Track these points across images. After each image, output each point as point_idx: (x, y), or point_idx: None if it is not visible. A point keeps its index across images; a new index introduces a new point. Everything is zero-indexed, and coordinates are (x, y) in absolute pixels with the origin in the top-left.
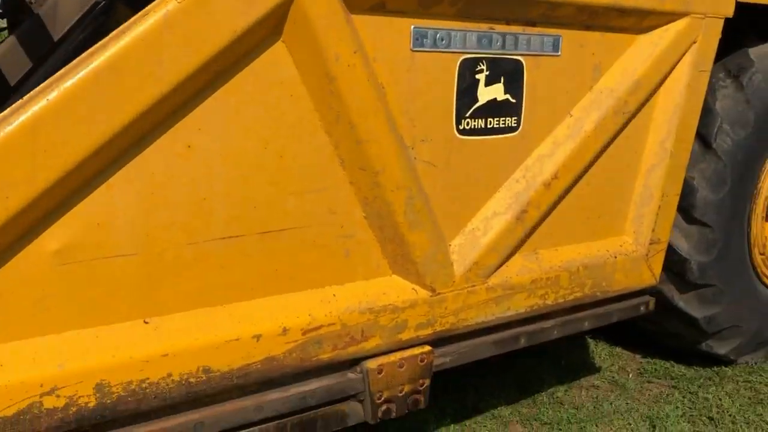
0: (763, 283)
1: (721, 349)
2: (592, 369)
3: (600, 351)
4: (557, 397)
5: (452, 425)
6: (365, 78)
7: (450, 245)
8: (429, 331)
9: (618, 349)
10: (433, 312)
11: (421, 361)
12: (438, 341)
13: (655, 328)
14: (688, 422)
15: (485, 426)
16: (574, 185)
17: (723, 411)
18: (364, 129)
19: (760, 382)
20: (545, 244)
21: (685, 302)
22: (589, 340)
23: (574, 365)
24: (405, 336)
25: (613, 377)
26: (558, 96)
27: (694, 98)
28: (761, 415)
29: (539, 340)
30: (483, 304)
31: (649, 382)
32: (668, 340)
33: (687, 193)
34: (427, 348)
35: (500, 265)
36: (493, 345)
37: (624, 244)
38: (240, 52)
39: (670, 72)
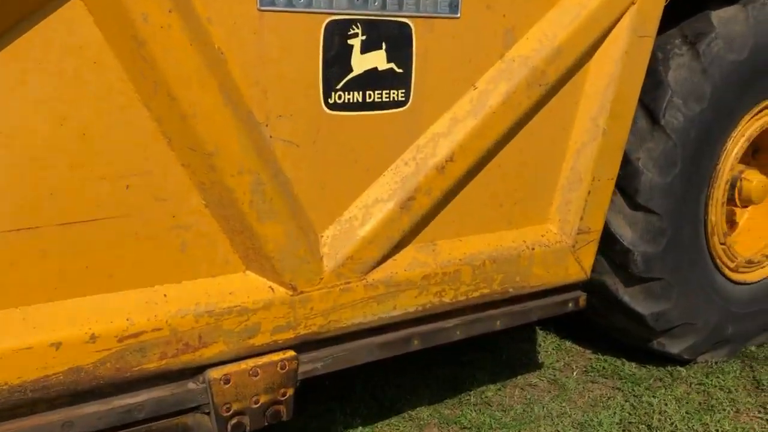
0: (724, 275)
1: (674, 348)
2: (533, 365)
3: (547, 345)
4: (486, 398)
5: (361, 427)
6: (186, 42)
7: (321, 237)
8: (290, 334)
9: (567, 344)
10: (296, 313)
11: (282, 368)
12: (304, 345)
13: (603, 322)
14: (623, 431)
15: (398, 428)
16: (481, 168)
17: (665, 418)
18: (188, 102)
19: (715, 386)
20: (446, 234)
21: (630, 297)
22: (538, 332)
23: (514, 360)
24: (258, 341)
25: (554, 375)
26: (458, 65)
27: (633, 68)
28: (707, 424)
29: (437, 342)
30: (361, 304)
31: (592, 382)
32: (618, 336)
33: (631, 175)
34: (290, 353)
35: (384, 259)
36: (378, 348)
37: (546, 233)
38: (19, 10)
39: (603, 38)
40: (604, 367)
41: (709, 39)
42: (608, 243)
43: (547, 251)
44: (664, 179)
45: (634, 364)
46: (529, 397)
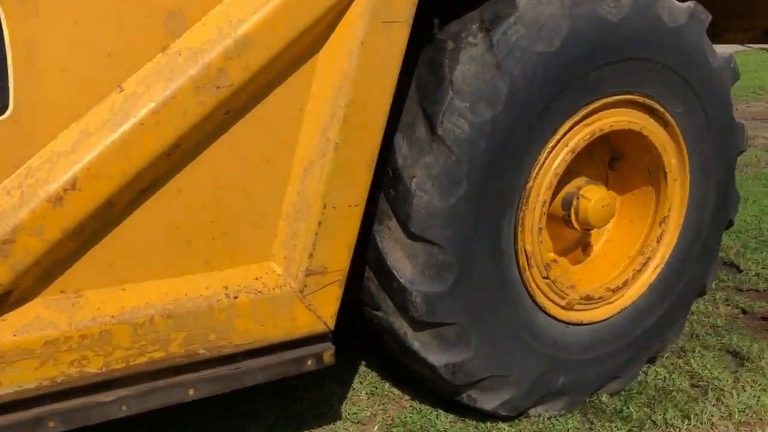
0: (551, 315)
1: (487, 403)
2: (331, 416)
3: (362, 388)
4: None
5: None
6: None
7: None
8: None
9: (386, 387)
10: None
11: None
12: None
13: (409, 369)
14: None
15: None
16: (144, 196)
17: None
18: None
19: None
20: (102, 282)
21: (420, 344)
22: (361, 371)
23: (310, 409)
24: None
25: (349, 431)
26: (90, 60)
27: (376, 64)
28: None
29: (91, 421)
30: None
31: None
32: (428, 385)
33: (403, 198)
34: None
35: None
36: None
37: (265, 275)
38: None
39: (329, 25)
40: (414, 421)
41: (506, 25)
42: (386, 279)
43: (259, 299)
44: (446, 202)
45: (451, 417)
46: None
